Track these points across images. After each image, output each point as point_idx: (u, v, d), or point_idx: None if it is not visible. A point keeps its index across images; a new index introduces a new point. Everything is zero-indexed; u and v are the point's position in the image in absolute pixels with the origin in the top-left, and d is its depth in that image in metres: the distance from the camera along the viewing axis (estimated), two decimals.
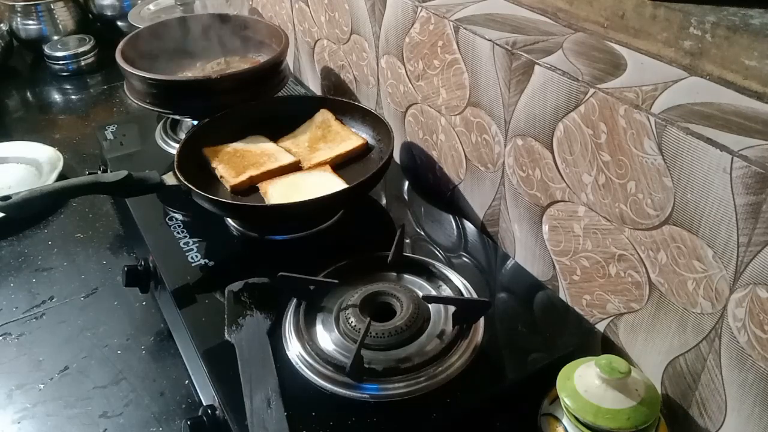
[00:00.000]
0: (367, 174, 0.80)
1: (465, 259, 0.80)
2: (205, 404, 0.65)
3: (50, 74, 1.53)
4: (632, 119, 0.58)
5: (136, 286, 0.85)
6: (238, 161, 0.88)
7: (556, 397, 0.60)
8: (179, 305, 0.73)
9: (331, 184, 0.83)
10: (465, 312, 0.68)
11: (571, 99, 0.64)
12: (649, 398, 0.57)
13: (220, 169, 0.87)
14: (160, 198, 0.89)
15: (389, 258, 0.74)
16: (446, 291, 0.72)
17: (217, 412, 0.64)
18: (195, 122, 0.98)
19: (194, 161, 0.87)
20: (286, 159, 0.89)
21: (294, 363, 0.65)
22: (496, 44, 0.72)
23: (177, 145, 0.90)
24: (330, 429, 0.60)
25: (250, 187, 0.85)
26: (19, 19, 1.55)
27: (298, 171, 0.88)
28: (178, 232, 0.84)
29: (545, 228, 0.74)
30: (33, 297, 0.90)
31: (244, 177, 0.85)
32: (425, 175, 0.96)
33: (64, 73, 1.52)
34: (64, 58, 1.51)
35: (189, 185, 0.78)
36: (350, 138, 0.92)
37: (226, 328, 0.68)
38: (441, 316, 0.68)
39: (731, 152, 0.50)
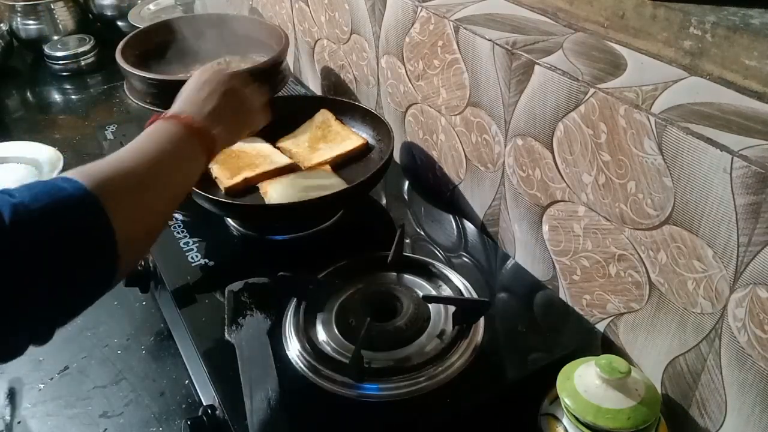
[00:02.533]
0: (367, 174, 0.80)
1: (465, 259, 0.80)
2: (205, 404, 0.65)
3: (50, 74, 1.53)
4: (632, 119, 0.58)
5: (136, 286, 0.85)
6: (233, 162, 0.88)
7: (556, 397, 0.60)
8: (179, 305, 0.73)
9: (331, 184, 0.83)
10: (465, 312, 0.68)
11: (571, 99, 0.64)
12: (649, 398, 0.57)
13: (215, 169, 0.86)
14: None
15: (389, 258, 0.74)
16: (446, 291, 0.72)
17: (217, 412, 0.64)
18: None
19: None
20: (282, 161, 0.89)
21: (294, 363, 0.65)
22: (496, 44, 0.72)
23: None
24: (330, 429, 0.60)
25: (250, 187, 0.85)
26: (19, 19, 1.55)
27: (298, 171, 0.88)
28: (178, 232, 0.84)
29: (545, 228, 0.74)
30: None
31: (238, 179, 0.85)
32: (425, 175, 0.96)
33: (64, 73, 1.52)
34: (64, 58, 1.51)
35: None
36: (350, 138, 0.92)
37: (226, 328, 0.68)
38: (441, 316, 0.68)
39: (731, 152, 0.50)
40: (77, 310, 0.52)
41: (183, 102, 0.68)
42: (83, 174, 0.51)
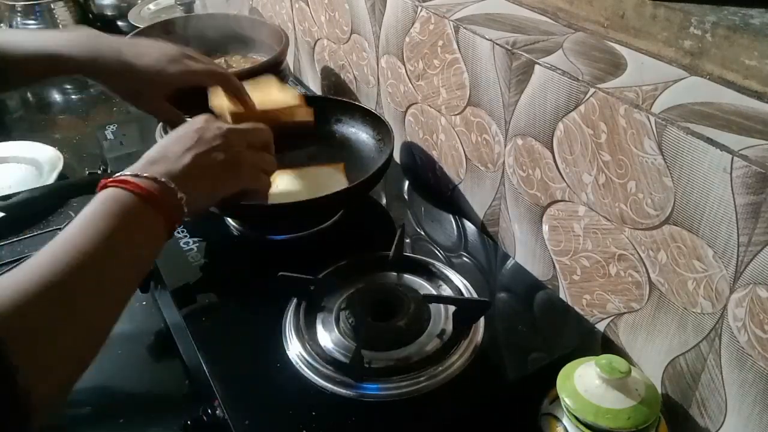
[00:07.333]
0: (367, 174, 0.80)
1: (465, 258, 0.80)
2: (205, 404, 0.65)
3: None
4: (632, 119, 0.58)
5: None
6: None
7: (556, 397, 0.60)
8: (179, 305, 0.73)
9: (332, 183, 0.83)
10: (465, 312, 0.68)
11: (571, 99, 0.64)
12: (649, 398, 0.57)
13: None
14: None
15: (389, 258, 0.74)
16: (446, 291, 0.72)
17: (217, 412, 0.64)
18: None
19: None
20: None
21: (294, 363, 0.65)
22: (496, 44, 0.72)
23: None
24: (330, 429, 0.60)
25: None
26: (19, 19, 1.55)
27: (301, 167, 0.87)
28: (178, 232, 0.84)
29: (545, 228, 0.74)
30: None
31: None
32: (425, 175, 0.96)
33: None
34: None
35: None
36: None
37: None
38: (441, 316, 0.68)
39: (731, 152, 0.50)
40: None
41: (152, 154, 0.55)
42: None
